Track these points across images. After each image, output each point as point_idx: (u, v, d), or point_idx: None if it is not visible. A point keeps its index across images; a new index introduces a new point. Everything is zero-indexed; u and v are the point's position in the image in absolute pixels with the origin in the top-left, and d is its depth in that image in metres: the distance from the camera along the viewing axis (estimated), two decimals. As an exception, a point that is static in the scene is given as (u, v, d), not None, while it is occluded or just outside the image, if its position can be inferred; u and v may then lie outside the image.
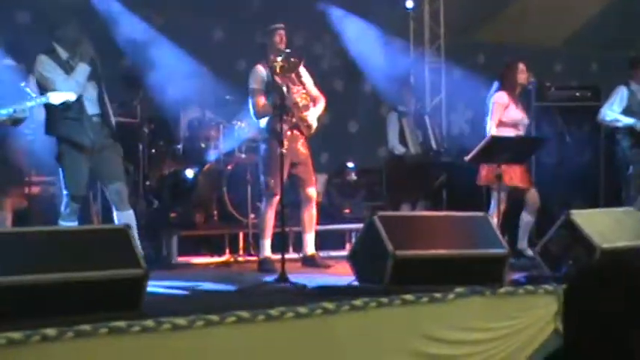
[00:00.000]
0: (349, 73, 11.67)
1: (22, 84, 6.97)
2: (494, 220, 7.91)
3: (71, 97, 6.65)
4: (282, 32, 7.93)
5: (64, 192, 6.90)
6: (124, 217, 6.75)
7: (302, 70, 7.98)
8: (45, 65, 6.81)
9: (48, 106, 6.74)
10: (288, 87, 7.75)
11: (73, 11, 7.34)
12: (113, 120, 7.07)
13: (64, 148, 6.82)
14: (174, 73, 9.93)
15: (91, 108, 6.89)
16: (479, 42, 12.45)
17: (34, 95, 6.72)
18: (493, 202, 8.08)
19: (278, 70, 7.58)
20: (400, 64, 11.45)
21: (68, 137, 6.79)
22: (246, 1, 10.85)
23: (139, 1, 9.92)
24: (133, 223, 6.67)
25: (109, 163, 6.94)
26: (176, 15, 10.17)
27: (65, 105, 6.65)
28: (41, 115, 7.12)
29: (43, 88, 6.78)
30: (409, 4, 11.84)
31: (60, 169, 6.89)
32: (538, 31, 11.42)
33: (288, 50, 7.71)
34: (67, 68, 6.82)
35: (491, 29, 12.01)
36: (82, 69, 6.83)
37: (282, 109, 7.33)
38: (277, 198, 7.71)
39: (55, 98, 6.62)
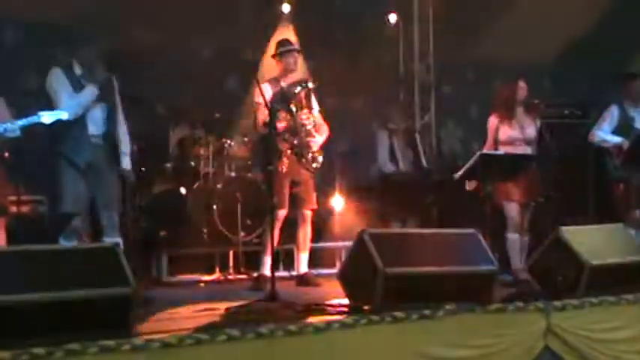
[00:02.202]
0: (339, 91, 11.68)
1: None
2: (514, 236, 7.99)
3: (63, 116, 6.67)
4: (297, 54, 8.02)
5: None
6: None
7: (312, 95, 8.06)
8: (57, 78, 6.96)
9: (51, 122, 6.76)
10: (296, 108, 7.81)
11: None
12: (124, 144, 7.15)
13: (61, 164, 6.86)
14: (163, 91, 9.93)
15: (94, 129, 6.96)
16: (468, 59, 12.48)
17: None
18: (510, 219, 8.19)
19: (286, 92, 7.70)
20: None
21: (66, 154, 6.84)
22: (236, 18, 10.86)
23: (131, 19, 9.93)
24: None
25: (105, 188, 7.00)
26: (166, 33, 10.17)
27: (67, 123, 6.68)
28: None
29: (49, 101, 6.87)
30: (392, 18, 11.88)
31: (57, 185, 6.91)
32: (527, 48, 11.45)
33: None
34: (77, 86, 6.91)
35: (480, 46, 12.04)
36: (90, 91, 6.97)
37: (272, 127, 7.34)
38: (280, 215, 7.76)
39: (47, 118, 6.64)
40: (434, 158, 10.44)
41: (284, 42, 8.30)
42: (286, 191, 7.76)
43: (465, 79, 12.80)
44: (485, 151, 8.18)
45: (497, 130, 8.39)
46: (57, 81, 6.96)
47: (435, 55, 11.97)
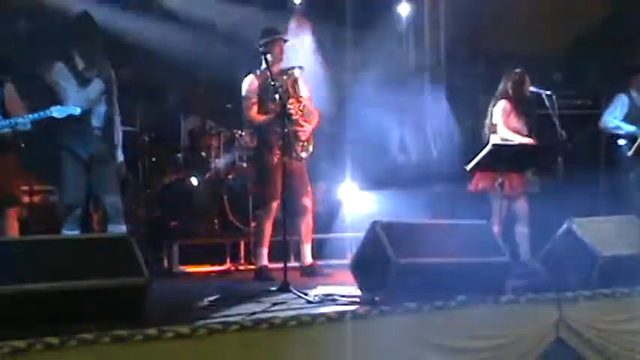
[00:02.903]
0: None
1: None
2: (495, 228, 7.93)
3: (74, 112, 6.68)
4: (283, 43, 7.93)
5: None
6: (116, 231, 6.77)
7: (300, 82, 7.98)
8: (61, 73, 6.92)
9: (63, 117, 6.76)
10: (282, 98, 7.72)
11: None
12: (118, 136, 7.13)
13: (64, 157, 6.88)
14: (174, 82, 9.93)
15: (97, 122, 6.96)
16: (479, 50, 12.45)
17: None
18: (494, 210, 8.09)
19: (273, 82, 7.60)
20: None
21: (69, 147, 6.85)
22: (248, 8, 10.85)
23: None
24: None
25: (106, 177, 7.00)
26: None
27: (71, 116, 6.68)
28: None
29: (54, 95, 6.84)
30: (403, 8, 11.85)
31: (60, 177, 6.94)
32: (538, 40, 11.42)
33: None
34: (81, 79, 6.88)
35: (491, 37, 12.01)
36: (97, 85, 6.95)
37: (282, 117, 7.32)
38: (273, 207, 7.75)
39: (59, 113, 6.64)
40: (444, 148, 10.40)
41: (269, 31, 8.05)
42: (279, 182, 7.61)
43: (476, 70, 12.75)
44: (498, 142, 8.10)
45: (508, 117, 8.30)
46: (60, 75, 6.92)
47: (445, 45, 11.94)
